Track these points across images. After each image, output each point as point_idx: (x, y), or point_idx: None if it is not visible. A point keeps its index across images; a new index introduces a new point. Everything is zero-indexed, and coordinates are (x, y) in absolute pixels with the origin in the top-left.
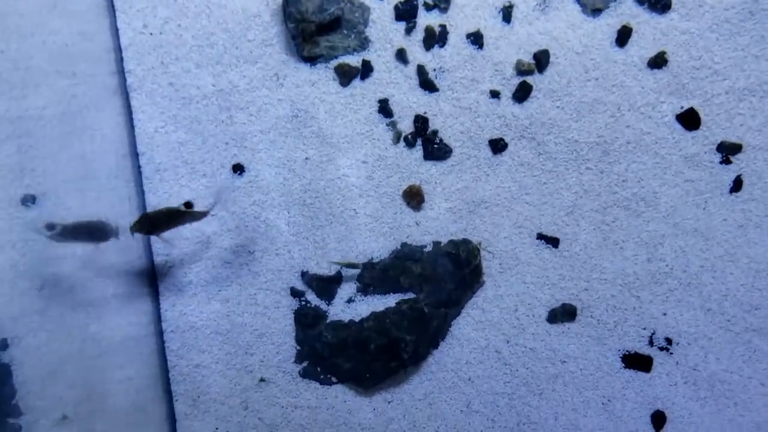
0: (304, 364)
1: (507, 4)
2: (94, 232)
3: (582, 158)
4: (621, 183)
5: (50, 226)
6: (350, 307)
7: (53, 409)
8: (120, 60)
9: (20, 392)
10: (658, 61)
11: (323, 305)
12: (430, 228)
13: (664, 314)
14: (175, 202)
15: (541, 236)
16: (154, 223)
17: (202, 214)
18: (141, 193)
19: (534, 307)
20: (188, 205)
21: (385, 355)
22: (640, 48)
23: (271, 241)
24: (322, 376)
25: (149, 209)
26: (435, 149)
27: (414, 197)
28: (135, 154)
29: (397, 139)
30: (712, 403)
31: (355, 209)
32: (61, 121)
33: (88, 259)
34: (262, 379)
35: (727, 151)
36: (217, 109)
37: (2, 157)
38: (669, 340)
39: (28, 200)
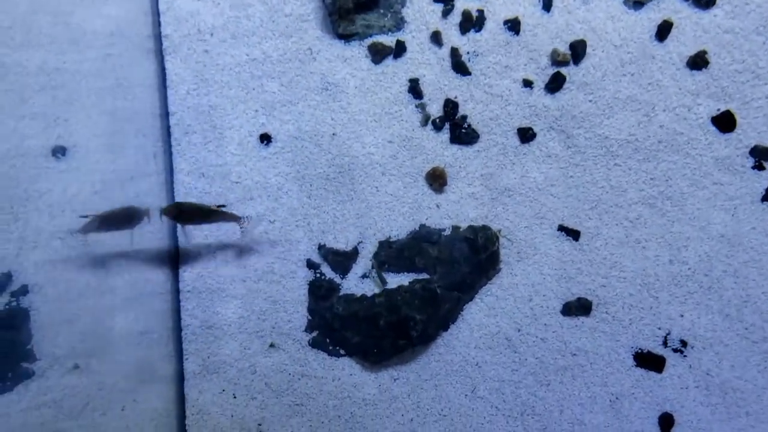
0: (314, 333)
1: None
2: (126, 218)
3: (611, 154)
4: (649, 181)
5: (83, 217)
6: (364, 282)
7: (66, 357)
8: (158, 24)
9: (36, 338)
10: (697, 61)
11: (337, 279)
12: (451, 212)
13: (682, 316)
14: (202, 166)
15: (562, 228)
16: (183, 212)
17: (232, 217)
18: (168, 153)
19: (549, 298)
20: (220, 207)
21: (394, 332)
22: (680, 44)
23: (291, 212)
24: (330, 347)
25: (176, 171)
26: (462, 134)
27: (437, 180)
28: (165, 115)
29: (425, 121)
30: (723, 410)
31: (377, 187)
32: (97, 77)
33: None
34: (272, 345)
35: (761, 156)
36: (249, 77)
37: (38, 107)
38: (684, 343)
39: (59, 151)
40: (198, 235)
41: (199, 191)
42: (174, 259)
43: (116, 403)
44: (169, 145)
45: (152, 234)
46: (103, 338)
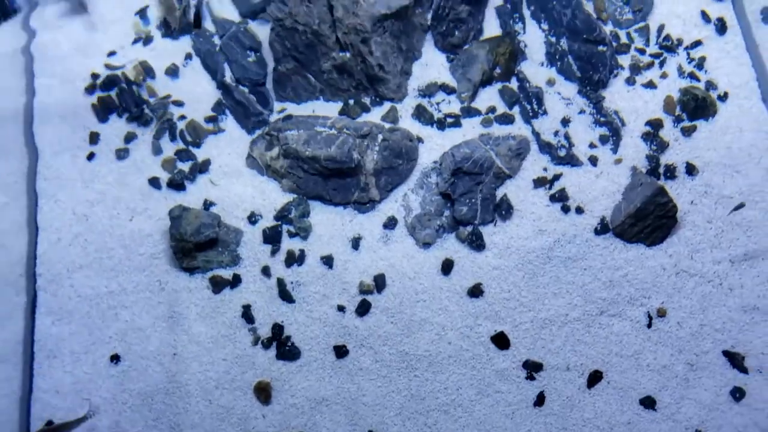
0: None
1: (356, 236)
2: None
3: (411, 367)
4: (443, 390)
5: None
6: None
7: None
8: (33, 265)
9: None
10: (475, 291)
11: None
12: (275, 421)
13: None
14: (59, 384)
15: None
16: None
17: (78, 422)
18: (30, 375)
19: None
20: (50, 422)
21: None
22: (461, 278)
23: (132, 423)
24: None
25: (35, 389)
26: (287, 351)
27: (262, 392)
28: (31, 342)
29: (255, 341)
30: None
31: (210, 399)
32: None
33: None
34: None
35: (531, 369)
36: (106, 307)
37: None
38: None
39: None
40: None
41: (53, 407)
42: None
43: None
44: (31, 367)
45: None
46: None
